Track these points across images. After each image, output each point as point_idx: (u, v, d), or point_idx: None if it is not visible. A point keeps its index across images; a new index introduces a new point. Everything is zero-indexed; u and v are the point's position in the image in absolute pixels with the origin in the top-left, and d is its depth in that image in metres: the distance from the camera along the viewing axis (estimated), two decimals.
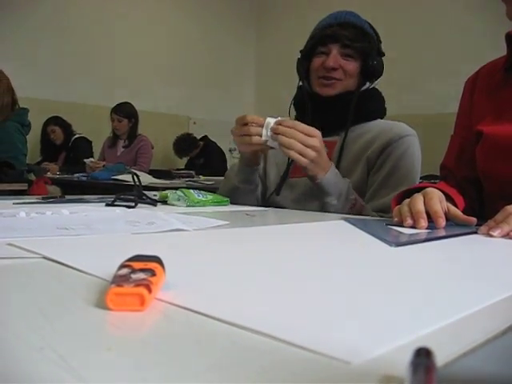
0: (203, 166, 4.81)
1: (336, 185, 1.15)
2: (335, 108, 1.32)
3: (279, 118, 1.11)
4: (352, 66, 1.31)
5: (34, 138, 4.42)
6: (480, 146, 1.04)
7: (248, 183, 1.31)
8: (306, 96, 1.35)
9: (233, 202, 1.28)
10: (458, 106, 1.20)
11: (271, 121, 1.10)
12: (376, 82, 1.36)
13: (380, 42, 1.36)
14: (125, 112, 4.05)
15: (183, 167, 5.04)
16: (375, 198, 1.23)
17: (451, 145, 1.17)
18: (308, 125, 1.13)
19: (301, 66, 1.38)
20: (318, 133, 1.11)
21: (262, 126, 1.11)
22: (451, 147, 1.16)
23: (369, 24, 1.36)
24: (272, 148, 1.13)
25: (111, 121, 4.09)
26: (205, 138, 5.14)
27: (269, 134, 1.10)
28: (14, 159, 2.63)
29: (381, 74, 1.35)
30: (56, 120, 4.30)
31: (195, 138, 5.05)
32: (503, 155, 0.98)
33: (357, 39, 1.29)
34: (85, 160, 3.94)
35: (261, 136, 1.10)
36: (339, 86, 1.31)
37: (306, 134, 1.09)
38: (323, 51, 1.32)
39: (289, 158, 1.31)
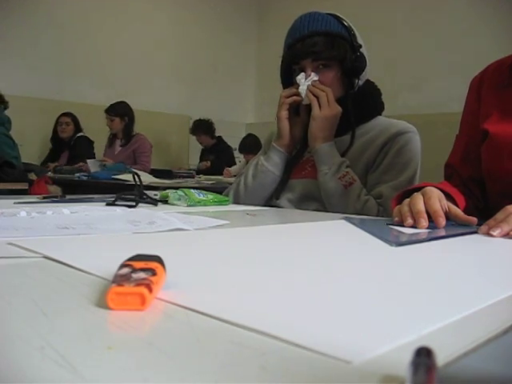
0: (213, 162, 4.88)
1: (330, 156, 1.27)
2: None
3: (315, 79, 1.28)
4: (329, 75, 1.28)
5: (34, 137, 4.44)
6: (485, 145, 1.04)
7: (277, 167, 1.36)
8: (299, 110, 1.36)
9: (251, 194, 1.35)
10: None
11: (302, 78, 1.29)
12: (364, 73, 1.32)
13: (354, 34, 1.29)
14: (115, 111, 4.08)
15: (194, 164, 5.11)
16: (372, 192, 1.25)
17: (457, 144, 1.16)
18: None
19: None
20: (337, 108, 1.27)
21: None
22: (457, 146, 1.16)
23: (337, 19, 1.29)
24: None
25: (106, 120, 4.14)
26: (219, 137, 5.21)
27: (304, 88, 1.29)
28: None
29: (364, 68, 1.30)
30: (71, 115, 4.32)
31: (214, 129, 5.12)
32: (508, 155, 0.98)
33: (326, 48, 1.25)
34: (87, 160, 3.94)
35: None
36: None
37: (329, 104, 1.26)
38: (299, 68, 1.30)
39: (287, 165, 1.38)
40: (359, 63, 1.28)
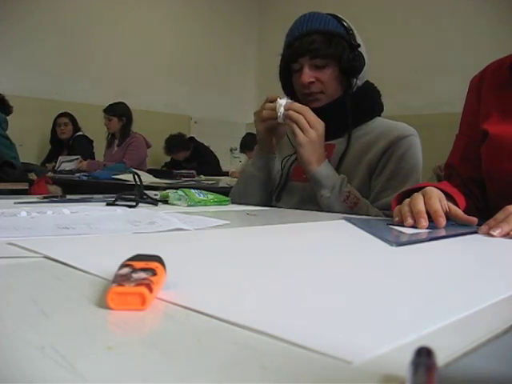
0: (198, 168, 4.53)
1: (329, 178, 1.21)
2: (330, 116, 1.26)
3: (289, 101, 1.21)
4: (327, 74, 1.27)
5: (34, 137, 4.44)
6: (485, 146, 1.04)
7: (263, 171, 1.36)
8: None
9: (244, 199, 1.36)
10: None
11: (282, 102, 1.21)
12: (362, 73, 1.31)
13: (352, 34, 1.28)
14: (113, 111, 4.10)
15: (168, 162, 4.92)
16: (379, 199, 1.23)
17: (457, 144, 1.16)
18: None
19: (284, 89, 1.37)
20: (320, 126, 1.19)
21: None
22: (457, 146, 1.16)
23: (336, 18, 1.29)
24: (281, 123, 1.24)
25: (104, 120, 4.15)
26: (192, 139, 5.01)
27: (281, 112, 1.21)
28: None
29: (363, 67, 1.30)
30: (69, 115, 4.34)
31: (187, 140, 4.92)
32: (508, 155, 0.98)
33: (324, 46, 1.25)
34: (60, 157, 3.97)
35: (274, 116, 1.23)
36: (323, 97, 1.29)
37: (309, 124, 1.19)
38: (297, 67, 1.30)
39: (285, 165, 1.39)
40: (357, 62, 1.28)
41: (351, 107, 1.29)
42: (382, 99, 1.38)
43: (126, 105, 4.16)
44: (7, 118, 2.90)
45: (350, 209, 1.19)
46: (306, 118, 1.18)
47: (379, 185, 1.25)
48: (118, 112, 4.11)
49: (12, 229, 0.65)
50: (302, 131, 1.18)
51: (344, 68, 1.27)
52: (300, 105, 1.20)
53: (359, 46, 1.28)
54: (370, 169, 1.26)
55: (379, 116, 1.37)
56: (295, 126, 1.18)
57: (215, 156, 5.12)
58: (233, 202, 1.39)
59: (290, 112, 1.19)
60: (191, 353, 0.25)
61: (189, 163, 4.75)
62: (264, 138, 1.32)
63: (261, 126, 1.29)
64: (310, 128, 1.18)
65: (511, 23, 3.84)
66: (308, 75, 1.27)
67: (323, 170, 1.21)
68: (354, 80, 1.30)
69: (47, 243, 0.56)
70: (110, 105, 4.13)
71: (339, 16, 1.31)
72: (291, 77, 1.34)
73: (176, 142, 4.83)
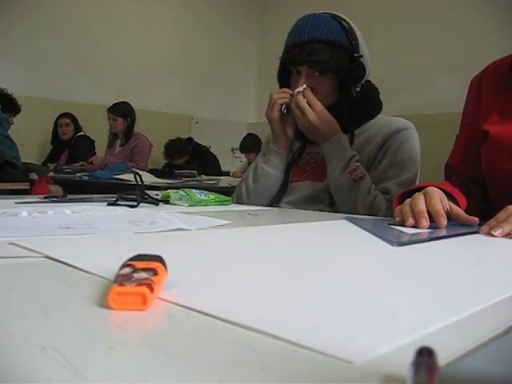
0: (197, 169, 4.41)
1: (338, 151, 1.25)
2: None
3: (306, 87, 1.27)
4: (324, 83, 1.27)
5: (35, 137, 4.44)
6: (485, 147, 1.04)
7: (277, 169, 1.37)
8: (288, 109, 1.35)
9: (254, 198, 1.36)
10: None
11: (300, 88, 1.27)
12: (363, 81, 1.30)
13: (355, 44, 1.26)
14: (119, 111, 4.08)
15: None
16: (377, 187, 1.25)
17: (457, 144, 1.16)
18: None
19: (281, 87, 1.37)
20: (319, 105, 1.25)
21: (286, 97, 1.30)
22: (457, 146, 1.16)
23: (340, 23, 1.26)
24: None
25: (108, 120, 4.14)
26: (190, 140, 4.99)
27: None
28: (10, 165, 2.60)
29: (363, 78, 1.29)
30: (70, 115, 4.34)
31: (186, 143, 4.90)
32: (508, 155, 0.98)
33: (323, 59, 1.23)
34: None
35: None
36: None
37: (309, 103, 1.25)
38: (296, 70, 1.29)
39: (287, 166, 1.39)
40: (357, 73, 1.27)
41: (349, 112, 1.28)
42: (383, 99, 1.38)
43: (130, 104, 4.16)
44: (15, 117, 2.89)
45: (354, 182, 1.22)
46: (306, 98, 1.25)
47: (377, 175, 1.26)
48: (124, 112, 4.10)
49: (13, 229, 0.65)
50: (303, 113, 1.24)
51: (343, 79, 1.26)
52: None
53: (361, 56, 1.27)
54: (369, 162, 1.28)
55: (379, 114, 1.37)
56: (297, 110, 1.25)
57: (214, 156, 5.12)
58: (237, 202, 1.38)
59: (295, 93, 1.26)
60: (192, 352, 0.25)
61: (189, 165, 4.72)
62: (277, 128, 1.33)
63: (275, 111, 1.31)
64: (310, 108, 1.24)
65: (511, 23, 3.83)
66: (304, 83, 1.26)
67: (331, 145, 1.26)
68: (352, 89, 1.29)
69: (48, 243, 0.56)
70: (114, 104, 4.11)
71: (343, 18, 1.28)
72: (289, 77, 1.33)
73: (175, 149, 4.80)
